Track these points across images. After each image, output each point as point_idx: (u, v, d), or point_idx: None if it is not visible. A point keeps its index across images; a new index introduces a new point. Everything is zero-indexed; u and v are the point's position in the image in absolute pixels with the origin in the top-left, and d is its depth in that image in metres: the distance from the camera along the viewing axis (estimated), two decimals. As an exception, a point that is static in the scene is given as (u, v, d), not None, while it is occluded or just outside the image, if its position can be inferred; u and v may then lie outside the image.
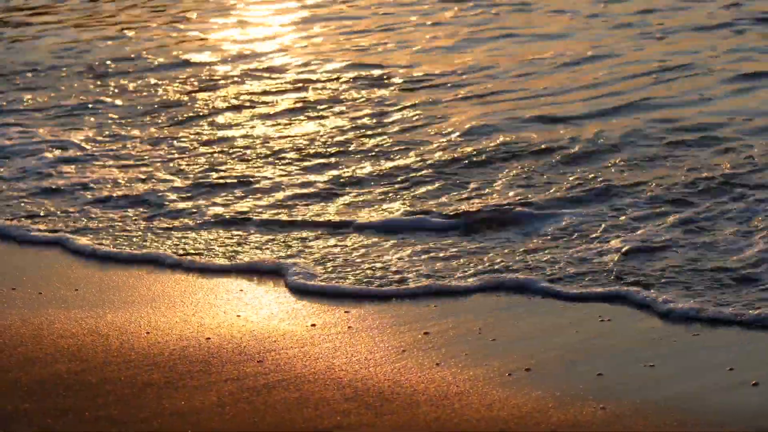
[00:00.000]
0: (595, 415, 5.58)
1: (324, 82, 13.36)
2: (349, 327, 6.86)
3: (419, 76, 13.25)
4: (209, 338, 6.76)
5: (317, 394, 5.96)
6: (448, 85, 12.74)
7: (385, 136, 10.83)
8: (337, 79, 13.41)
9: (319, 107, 12.22)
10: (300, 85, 13.34)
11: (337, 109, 12.10)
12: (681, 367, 6.03)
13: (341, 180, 9.65)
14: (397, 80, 13.13)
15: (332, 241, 8.22)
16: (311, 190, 9.42)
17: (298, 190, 9.42)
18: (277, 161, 10.35)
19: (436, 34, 15.63)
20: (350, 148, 10.57)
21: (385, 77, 13.28)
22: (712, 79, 11.84)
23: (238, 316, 7.11)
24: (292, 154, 10.50)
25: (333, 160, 10.27)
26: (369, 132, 11.05)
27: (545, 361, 6.21)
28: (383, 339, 6.64)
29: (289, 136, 11.17)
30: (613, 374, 6.01)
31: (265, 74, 13.99)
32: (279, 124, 11.68)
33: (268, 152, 10.64)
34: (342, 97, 12.57)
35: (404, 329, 6.75)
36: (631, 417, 5.54)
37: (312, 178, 9.77)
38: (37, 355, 6.63)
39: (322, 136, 11.08)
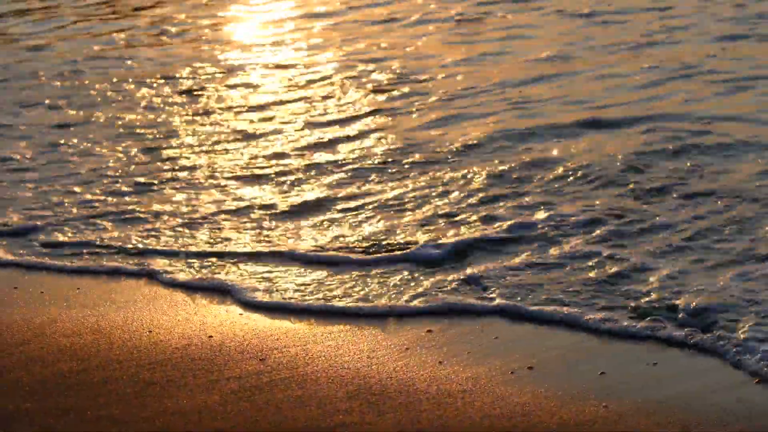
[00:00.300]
0: (598, 413, 5.57)
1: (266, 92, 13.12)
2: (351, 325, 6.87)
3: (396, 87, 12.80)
4: (211, 336, 6.76)
5: (320, 392, 5.95)
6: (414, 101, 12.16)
7: (332, 158, 10.31)
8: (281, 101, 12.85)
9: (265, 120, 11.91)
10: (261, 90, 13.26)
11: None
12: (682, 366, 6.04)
13: (275, 205, 9.13)
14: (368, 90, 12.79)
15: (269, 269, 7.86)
16: (248, 214, 8.96)
17: (237, 213, 9.04)
18: (219, 179, 9.99)
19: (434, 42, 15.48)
20: (287, 170, 10.00)
21: (362, 86, 12.93)
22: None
23: (240, 314, 7.11)
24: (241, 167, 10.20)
25: (268, 181, 9.77)
26: (315, 152, 10.54)
27: (548, 360, 6.20)
28: (386, 337, 6.63)
29: (244, 150, 10.84)
30: (615, 373, 6.00)
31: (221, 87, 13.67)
32: (234, 138, 11.30)
33: (216, 169, 10.27)
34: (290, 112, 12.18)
35: (407, 327, 6.74)
36: (634, 416, 5.53)
37: (249, 200, 9.31)
38: (39, 354, 6.63)
39: (259, 155, 10.62)
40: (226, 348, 6.58)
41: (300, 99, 12.58)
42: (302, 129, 11.39)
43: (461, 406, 5.71)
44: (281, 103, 12.50)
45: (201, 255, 8.17)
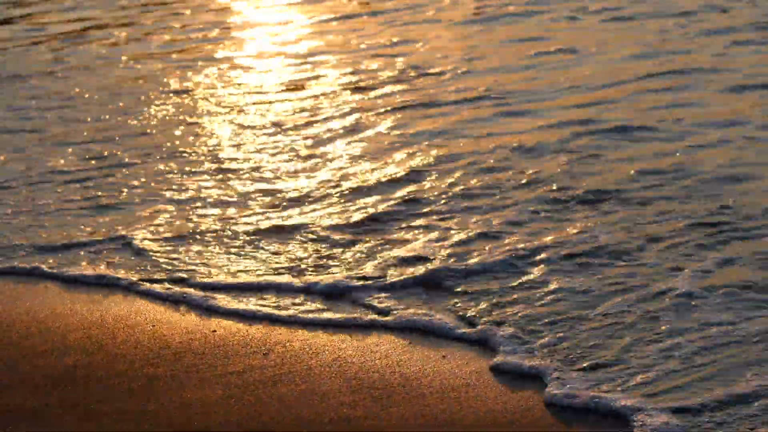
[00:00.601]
0: (601, 406, 5.59)
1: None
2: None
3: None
4: (215, 331, 6.76)
5: (324, 386, 5.96)
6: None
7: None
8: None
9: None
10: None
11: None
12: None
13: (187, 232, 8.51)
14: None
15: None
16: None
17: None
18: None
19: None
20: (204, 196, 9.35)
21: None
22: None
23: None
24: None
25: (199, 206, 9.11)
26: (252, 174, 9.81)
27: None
28: (389, 331, 6.62)
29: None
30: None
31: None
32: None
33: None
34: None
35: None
36: (638, 409, 5.55)
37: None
38: (45, 348, 6.64)
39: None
40: (230, 342, 6.58)
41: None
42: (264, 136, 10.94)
43: (465, 400, 5.72)
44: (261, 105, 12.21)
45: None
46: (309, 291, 7.23)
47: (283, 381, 6.05)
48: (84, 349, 6.60)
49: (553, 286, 6.94)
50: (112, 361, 6.41)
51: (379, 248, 7.82)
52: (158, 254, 8.08)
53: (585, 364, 5.95)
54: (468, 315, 6.67)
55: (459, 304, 6.83)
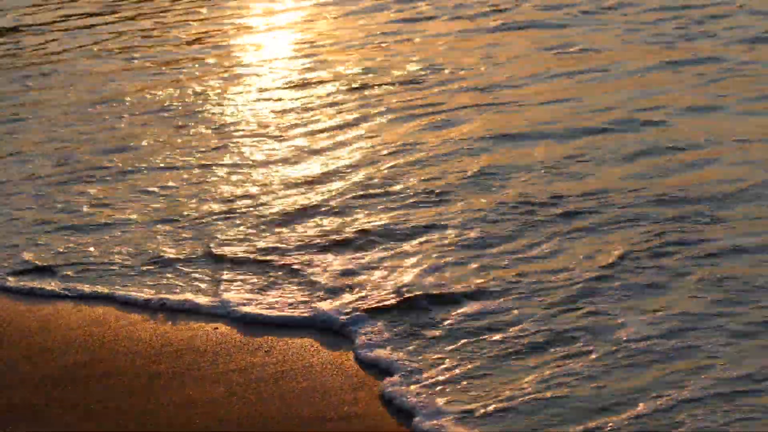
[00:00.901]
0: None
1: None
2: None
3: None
4: (216, 328, 6.77)
5: (325, 383, 5.96)
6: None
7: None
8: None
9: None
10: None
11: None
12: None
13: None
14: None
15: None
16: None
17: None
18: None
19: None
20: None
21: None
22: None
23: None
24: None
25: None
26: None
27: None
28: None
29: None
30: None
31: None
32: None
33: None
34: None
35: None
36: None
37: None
38: (45, 346, 6.65)
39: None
40: (232, 340, 6.58)
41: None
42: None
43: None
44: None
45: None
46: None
47: (285, 378, 6.05)
48: (85, 347, 6.59)
49: (474, 307, 6.66)
50: (114, 359, 6.40)
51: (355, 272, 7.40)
52: (135, 276, 7.71)
53: (462, 396, 5.68)
54: (377, 339, 6.42)
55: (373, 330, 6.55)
